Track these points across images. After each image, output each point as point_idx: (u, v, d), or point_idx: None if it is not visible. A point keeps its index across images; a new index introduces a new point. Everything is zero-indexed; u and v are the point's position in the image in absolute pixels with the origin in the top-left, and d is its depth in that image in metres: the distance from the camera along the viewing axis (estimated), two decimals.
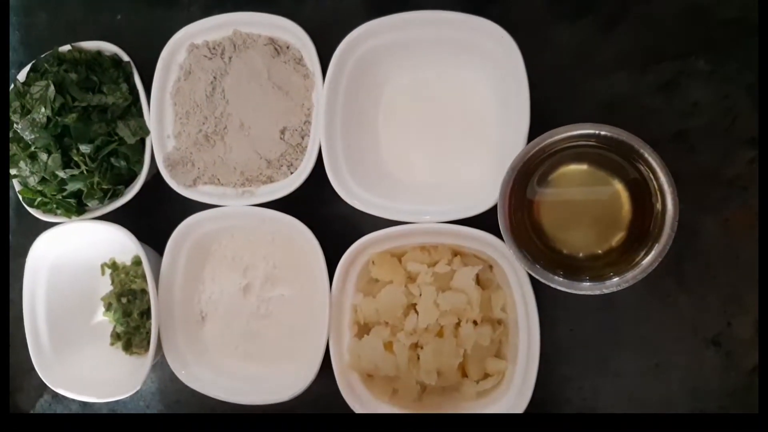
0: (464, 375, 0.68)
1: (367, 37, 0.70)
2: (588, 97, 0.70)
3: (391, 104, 0.73)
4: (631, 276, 0.57)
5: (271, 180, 0.73)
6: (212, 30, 0.76)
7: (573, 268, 0.61)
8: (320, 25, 0.74)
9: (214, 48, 0.75)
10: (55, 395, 0.86)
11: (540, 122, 0.63)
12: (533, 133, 0.62)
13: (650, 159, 0.57)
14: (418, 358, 0.67)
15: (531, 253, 0.60)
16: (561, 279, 0.58)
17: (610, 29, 0.70)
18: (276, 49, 0.74)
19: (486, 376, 0.68)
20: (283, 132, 0.73)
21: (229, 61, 0.75)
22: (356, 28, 0.69)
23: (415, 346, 0.67)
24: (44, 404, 0.90)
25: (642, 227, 0.59)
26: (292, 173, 0.73)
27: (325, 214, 0.75)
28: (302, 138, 0.73)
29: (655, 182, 0.57)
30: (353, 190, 0.69)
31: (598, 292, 0.57)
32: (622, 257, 0.60)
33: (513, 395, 0.65)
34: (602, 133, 0.58)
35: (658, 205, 0.57)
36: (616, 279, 0.57)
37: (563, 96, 0.70)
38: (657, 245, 0.57)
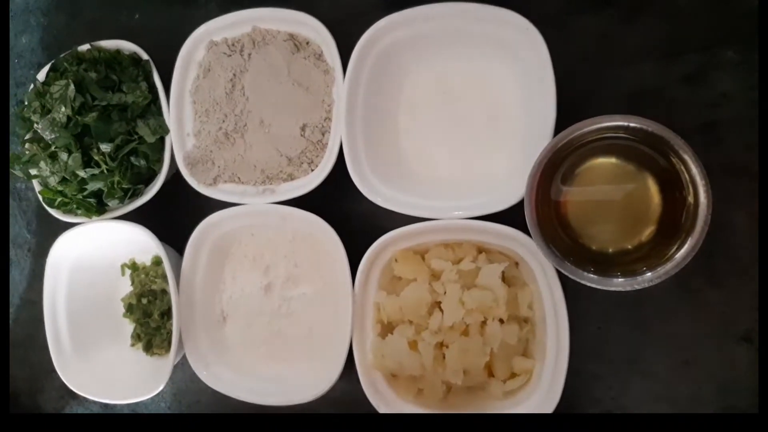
0: (490, 374, 0.67)
1: (388, 31, 0.69)
2: (612, 88, 0.69)
3: (413, 98, 0.72)
4: (664, 271, 0.56)
5: (292, 177, 0.73)
6: (231, 27, 0.75)
7: (603, 264, 0.59)
8: (338, 19, 0.73)
9: (233, 45, 0.75)
10: (77, 396, 0.86)
11: (564, 114, 0.62)
12: (557, 126, 0.62)
13: (681, 151, 0.55)
14: (444, 358, 0.66)
15: (559, 249, 0.59)
16: (592, 275, 0.56)
17: (634, 19, 0.69)
18: (296, 45, 0.73)
19: (513, 375, 0.67)
20: (303, 129, 0.72)
21: (248, 58, 0.74)
22: (376, 21, 0.69)
23: (441, 345, 0.66)
24: (65, 405, 0.90)
25: (673, 221, 0.58)
26: (312, 170, 0.72)
27: (347, 211, 0.74)
28: (323, 134, 0.72)
29: (686, 175, 0.56)
30: (375, 187, 0.69)
31: (629, 288, 0.56)
32: (652, 251, 0.59)
33: (541, 395, 0.64)
34: (631, 124, 0.56)
35: (690, 198, 0.56)
36: (648, 274, 0.56)
37: (587, 88, 0.69)
38: (690, 239, 0.55)
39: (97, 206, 0.76)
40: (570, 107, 0.62)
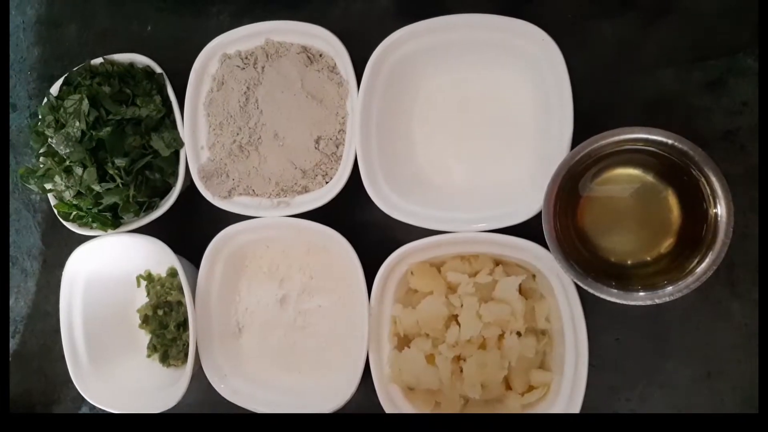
0: (508, 387, 0.66)
1: (402, 43, 0.68)
2: (632, 96, 0.68)
3: (428, 110, 0.72)
4: (685, 285, 0.55)
5: (307, 190, 0.72)
6: (244, 39, 0.75)
7: (622, 277, 0.59)
8: (351, 30, 0.73)
9: (246, 58, 0.75)
10: (92, 408, 0.86)
11: (582, 123, 0.61)
12: (575, 135, 0.61)
13: (703, 164, 0.55)
14: (461, 371, 0.65)
15: (578, 263, 0.58)
16: (614, 290, 0.56)
17: (653, 25, 0.68)
18: (309, 57, 0.72)
19: (531, 388, 0.66)
20: (317, 141, 0.72)
21: (262, 71, 0.74)
22: (389, 32, 0.68)
23: (458, 358, 0.66)
24: None
25: (693, 233, 0.57)
26: (327, 183, 0.72)
27: (362, 223, 0.73)
28: (337, 147, 0.71)
29: (708, 188, 0.55)
30: (390, 199, 0.68)
31: (650, 302, 0.56)
32: (672, 264, 0.58)
33: (560, 407, 0.63)
34: (652, 137, 0.56)
35: (711, 211, 0.55)
36: (669, 288, 0.55)
37: (605, 96, 0.68)
38: (711, 252, 0.55)
39: (112, 220, 0.76)
40: (588, 115, 0.62)
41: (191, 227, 0.80)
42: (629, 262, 0.60)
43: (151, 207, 0.77)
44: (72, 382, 0.80)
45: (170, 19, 0.85)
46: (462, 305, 0.65)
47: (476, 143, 0.70)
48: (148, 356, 0.84)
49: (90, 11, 0.90)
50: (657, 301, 0.55)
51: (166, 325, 0.82)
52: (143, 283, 0.85)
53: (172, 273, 0.82)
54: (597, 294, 0.56)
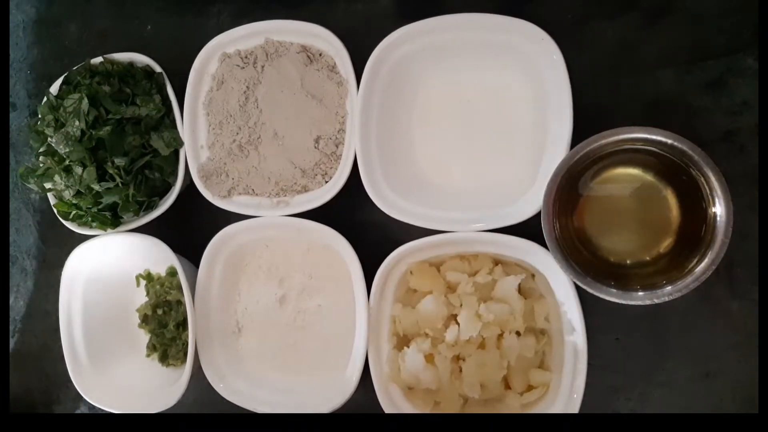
0: (507, 387, 0.67)
1: (402, 42, 0.68)
2: (632, 96, 0.68)
3: (428, 110, 0.72)
4: (684, 284, 0.55)
5: (306, 189, 0.72)
6: (244, 39, 0.75)
7: (621, 277, 0.59)
8: (351, 29, 0.73)
9: (246, 57, 0.75)
10: (92, 407, 0.86)
11: (582, 123, 0.61)
12: (575, 135, 0.61)
13: (702, 163, 0.55)
14: (460, 371, 0.65)
15: (578, 263, 0.58)
16: (613, 290, 0.56)
17: (653, 26, 0.68)
18: (309, 56, 0.73)
19: (530, 388, 0.66)
20: (317, 141, 0.72)
21: (261, 70, 0.74)
22: (390, 32, 0.68)
23: (457, 358, 0.66)
24: None
25: (693, 233, 0.57)
26: (326, 182, 0.72)
27: (361, 223, 0.73)
28: (336, 146, 0.72)
29: (707, 187, 0.56)
30: (390, 199, 0.68)
31: (649, 302, 0.56)
32: (672, 264, 0.58)
33: (559, 407, 0.63)
34: (652, 137, 0.56)
35: (711, 211, 0.55)
36: (668, 288, 0.55)
37: (605, 96, 0.68)
38: (710, 252, 0.55)
39: (112, 219, 0.76)
40: (587, 115, 0.62)
41: (191, 227, 0.80)
42: (628, 262, 0.61)
43: (151, 206, 0.77)
44: (71, 382, 0.80)
45: (170, 19, 0.85)
46: (461, 305, 0.65)
47: (476, 143, 0.70)
48: (148, 356, 0.84)
49: (90, 11, 0.90)
50: (656, 300, 0.56)
51: (166, 325, 0.82)
52: (143, 282, 0.85)
53: (172, 272, 0.82)
54: (596, 294, 0.56)
